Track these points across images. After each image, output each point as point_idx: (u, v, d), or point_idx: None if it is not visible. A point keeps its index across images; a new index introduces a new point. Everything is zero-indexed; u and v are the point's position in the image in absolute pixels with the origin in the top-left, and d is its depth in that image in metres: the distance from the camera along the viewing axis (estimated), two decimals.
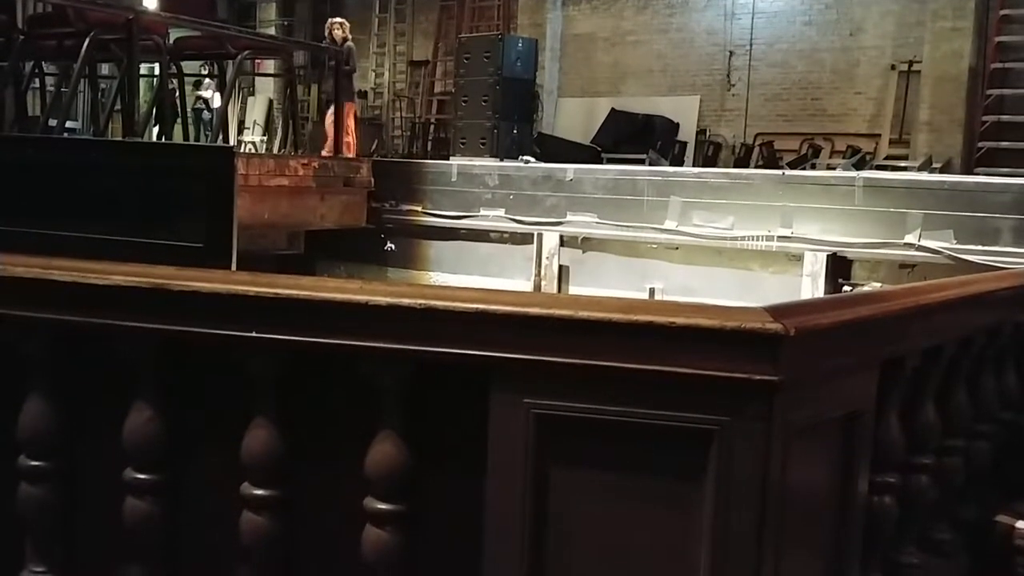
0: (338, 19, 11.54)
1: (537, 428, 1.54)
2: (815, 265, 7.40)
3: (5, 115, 8.04)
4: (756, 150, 14.08)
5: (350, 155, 9.76)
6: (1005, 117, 11.46)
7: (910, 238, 7.01)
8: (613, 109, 15.07)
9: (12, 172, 5.49)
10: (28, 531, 1.90)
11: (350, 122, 10.31)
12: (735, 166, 13.33)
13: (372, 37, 18.81)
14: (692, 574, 1.52)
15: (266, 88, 18.09)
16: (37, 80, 9.07)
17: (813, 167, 12.70)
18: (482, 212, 9.22)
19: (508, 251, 9.15)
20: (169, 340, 1.72)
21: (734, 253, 7.86)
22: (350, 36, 11.52)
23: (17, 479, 1.87)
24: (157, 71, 8.49)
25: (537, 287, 8.76)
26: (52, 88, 9.23)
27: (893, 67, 13.06)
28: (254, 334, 1.65)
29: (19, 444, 1.86)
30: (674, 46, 15.00)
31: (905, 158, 12.29)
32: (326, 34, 10.91)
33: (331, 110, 9.80)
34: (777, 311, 1.48)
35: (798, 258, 7.54)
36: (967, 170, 11.35)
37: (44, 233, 4.97)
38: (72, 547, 1.92)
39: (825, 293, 7.16)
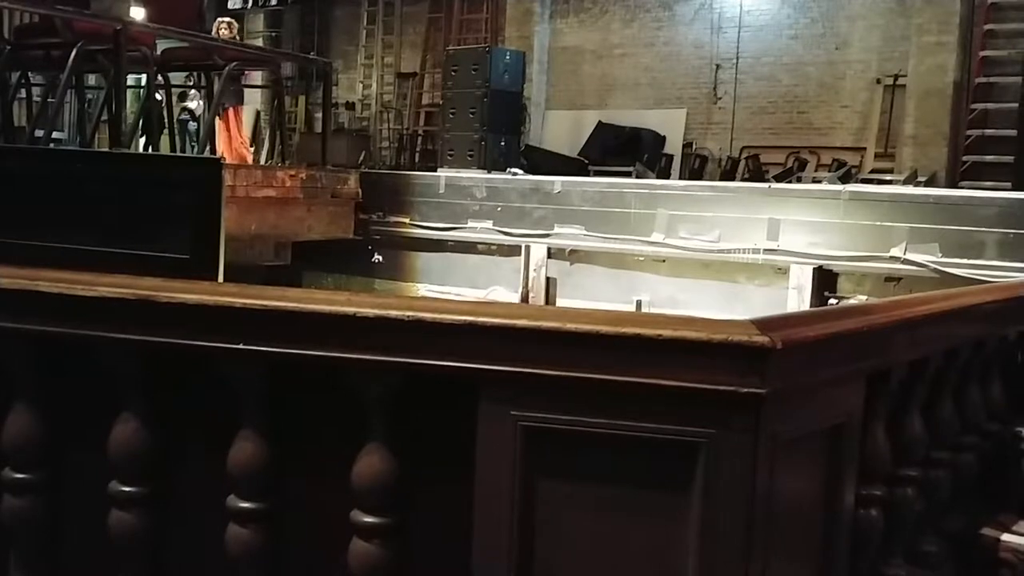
0: (226, 19, 11.47)
1: (525, 440, 1.54)
2: (801, 278, 7.42)
3: None
4: (742, 163, 14.13)
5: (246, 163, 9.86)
6: (989, 131, 11.53)
7: (896, 251, 7.03)
8: (600, 122, 15.11)
9: None
10: (12, 544, 1.89)
11: (240, 127, 10.35)
12: (721, 179, 13.38)
13: (360, 49, 18.83)
14: None
15: (253, 99, 18.05)
16: (23, 90, 9.04)
17: (799, 180, 12.75)
18: (470, 224, 9.21)
19: (496, 263, 9.15)
20: (155, 352, 1.71)
21: (720, 266, 7.88)
22: (238, 36, 11.47)
23: (1, 491, 1.86)
24: (144, 82, 8.48)
25: (525, 299, 8.76)
26: (39, 99, 9.20)
27: (878, 81, 13.14)
28: (241, 346, 1.64)
29: (4, 456, 1.85)
30: (661, 59, 15.07)
31: (890, 171, 12.36)
32: (214, 33, 10.78)
33: (227, 115, 9.80)
34: (764, 324, 1.48)
35: (784, 271, 7.55)
36: (952, 184, 11.41)
37: (30, 244, 4.94)
38: (57, 560, 1.91)
39: (811, 306, 7.18)
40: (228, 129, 10.47)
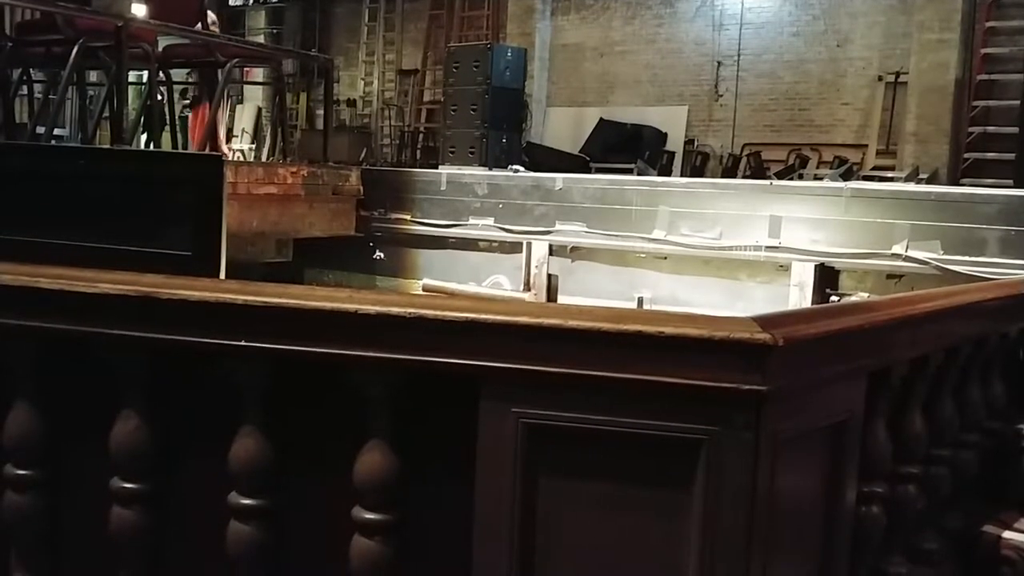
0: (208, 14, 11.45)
1: (526, 437, 1.54)
2: (803, 275, 7.40)
3: None
4: (744, 160, 14.11)
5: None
6: (991, 128, 11.53)
7: (897, 248, 7.02)
8: (601, 119, 15.09)
9: None
10: (13, 540, 1.89)
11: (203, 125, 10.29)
12: (723, 176, 13.36)
13: (361, 46, 18.82)
14: None
15: (255, 96, 18.07)
16: (25, 87, 9.04)
17: (800, 177, 12.74)
18: (471, 221, 9.19)
19: (497, 260, 9.13)
20: (157, 348, 1.71)
21: (722, 263, 7.86)
22: (219, 31, 11.43)
23: (2, 488, 1.86)
24: (146, 79, 8.48)
25: (527, 287, 8.77)
26: (40, 95, 9.19)
27: (880, 78, 13.12)
28: (242, 343, 1.64)
29: (5, 453, 1.85)
30: (662, 56, 15.05)
31: (892, 169, 12.34)
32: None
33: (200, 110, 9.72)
34: (765, 321, 1.48)
35: (786, 268, 7.54)
36: (953, 181, 11.40)
37: (31, 241, 4.94)
38: (58, 557, 1.91)
39: (813, 303, 7.17)
40: (200, 124, 10.44)
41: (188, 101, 12.63)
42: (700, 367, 1.46)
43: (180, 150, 9.84)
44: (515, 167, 10.20)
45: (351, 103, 18.68)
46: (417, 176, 10.10)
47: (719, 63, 14.44)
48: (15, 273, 1.76)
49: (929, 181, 11.31)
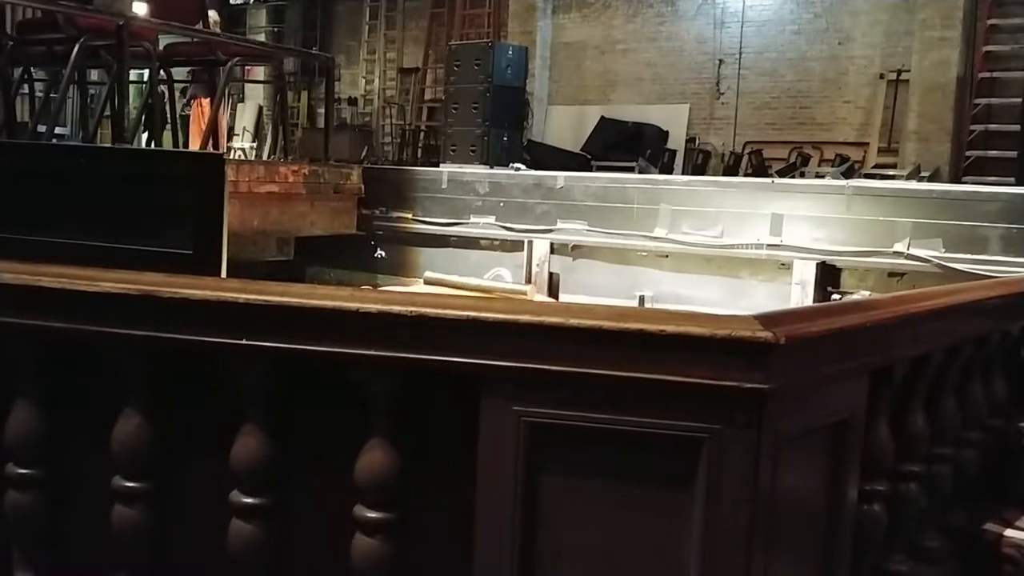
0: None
1: (527, 436, 1.54)
2: (804, 273, 7.40)
3: None
4: (745, 158, 14.11)
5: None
6: (993, 126, 11.53)
7: (899, 247, 7.01)
8: (603, 117, 15.09)
9: (0, 177, 5.47)
10: (15, 539, 1.89)
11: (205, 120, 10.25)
12: (724, 174, 13.36)
13: (362, 44, 18.83)
14: None
15: (256, 95, 18.08)
16: (26, 86, 9.03)
17: (802, 175, 12.74)
18: (472, 219, 9.19)
19: (498, 258, 9.13)
20: (158, 347, 1.71)
21: (723, 261, 7.86)
22: (218, 29, 11.44)
23: (4, 487, 1.86)
24: (147, 77, 8.47)
25: (528, 280, 8.77)
26: (41, 94, 9.18)
27: (881, 76, 13.12)
28: (244, 341, 1.64)
29: (6, 451, 1.85)
30: (664, 55, 15.05)
31: (894, 167, 12.34)
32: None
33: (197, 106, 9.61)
34: (767, 319, 1.48)
35: (787, 266, 7.53)
36: (955, 179, 11.40)
37: (32, 239, 4.94)
38: (60, 555, 1.91)
39: (814, 301, 7.16)
40: (200, 121, 10.43)
41: (185, 100, 12.66)
42: (702, 365, 1.46)
43: (181, 148, 9.83)
44: (516, 165, 10.20)
45: (352, 101, 18.68)
46: (418, 174, 10.09)
47: (720, 61, 14.44)
48: (16, 272, 1.76)
49: (931, 179, 11.31)
